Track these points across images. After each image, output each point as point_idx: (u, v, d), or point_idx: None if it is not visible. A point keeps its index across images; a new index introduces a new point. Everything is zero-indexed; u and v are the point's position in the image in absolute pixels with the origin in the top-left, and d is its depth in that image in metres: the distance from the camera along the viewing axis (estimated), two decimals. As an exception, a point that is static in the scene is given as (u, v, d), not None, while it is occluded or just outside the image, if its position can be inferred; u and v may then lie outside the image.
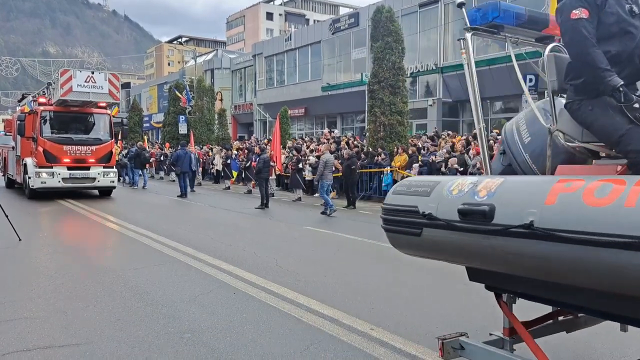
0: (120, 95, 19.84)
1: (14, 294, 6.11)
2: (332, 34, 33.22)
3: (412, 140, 19.05)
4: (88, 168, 16.26)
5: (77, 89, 15.68)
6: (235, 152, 24.47)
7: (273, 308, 5.63)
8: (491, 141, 15.43)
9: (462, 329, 5.04)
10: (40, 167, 15.78)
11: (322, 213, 14.04)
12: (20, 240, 9.23)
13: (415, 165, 16.00)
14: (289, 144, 24.03)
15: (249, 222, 12.79)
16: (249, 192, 20.18)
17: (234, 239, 10.04)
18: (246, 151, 24.04)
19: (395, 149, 17.50)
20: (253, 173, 18.75)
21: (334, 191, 17.70)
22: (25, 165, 16.84)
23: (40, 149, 15.82)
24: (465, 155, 15.03)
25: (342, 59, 32.97)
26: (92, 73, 16.20)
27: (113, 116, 18.14)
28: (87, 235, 10.59)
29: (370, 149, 18.70)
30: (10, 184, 20.52)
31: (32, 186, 16.06)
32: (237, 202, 17.22)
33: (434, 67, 26.20)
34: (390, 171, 16.96)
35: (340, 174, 16.97)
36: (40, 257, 8.21)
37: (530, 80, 16.45)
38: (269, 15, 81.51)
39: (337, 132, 30.27)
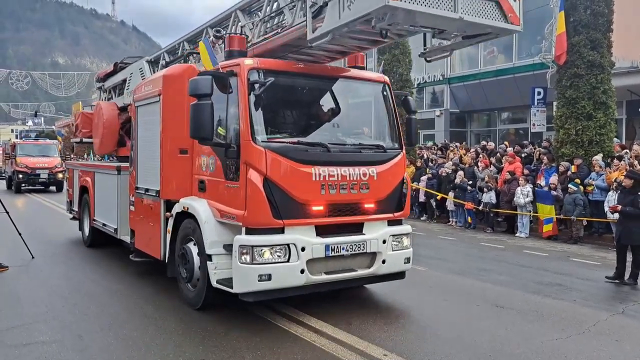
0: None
1: (29, 316, 6.15)
2: (339, 45, 33.35)
3: (419, 152, 19.04)
4: (360, 227, 6.29)
5: None
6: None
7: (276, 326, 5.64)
8: (498, 154, 15.44)
9: (476, 352, 5.04)
10: (252, 233, 5.66)
11: None
12: (33, 258, 9.29)
13: (424, 178, 15.99)
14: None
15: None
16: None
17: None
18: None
19: (404, 161, 17.47)
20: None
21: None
22: (182, 216, 6.59)
23: (256, 178, 5.61)
24: (475, 167, 15.01)
25: (349, 70, 33.07)
26: None
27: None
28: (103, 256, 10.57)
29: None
30: (101, 239, 10.14)
31: (219, 283, 5.88)
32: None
33: (441, 78, 26.23)
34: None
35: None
36: (53, 276, 8.24)
37: (539, 93, 16.47)
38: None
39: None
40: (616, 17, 13.48)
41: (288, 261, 5.63)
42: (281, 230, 5.68)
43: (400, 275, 6.68)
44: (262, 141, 5.67)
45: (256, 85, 5.73)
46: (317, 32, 5.63)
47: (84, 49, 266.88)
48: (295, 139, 5.97)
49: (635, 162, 11.90)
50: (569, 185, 12.03)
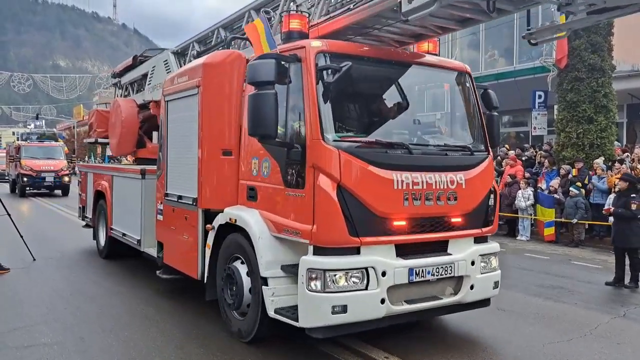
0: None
1: (31, 318, 6.16)
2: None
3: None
4: (444, 245, 5.26)
5: None
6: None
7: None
8: (498, 157, 15.44)
9: (477, 355, 5.02)
10: (322, 253, 4.63)
11: None
12: (34, 260, 9.29)
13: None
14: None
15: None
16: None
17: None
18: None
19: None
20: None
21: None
22: (226, 228, 5.63)
23: (328, 185, 4.60)
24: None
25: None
26: None
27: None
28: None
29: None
30: (120, 251, 9.18)
31: (278, 313, 4.83)
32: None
33: (443, 81, 26.25)
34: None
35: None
36: (54, 278, 8.24)
37: (540, 96, 16.49)
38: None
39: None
40: (617, 20, 13.50)
41: (366, 289, 4.61)
42: (356, 251, 4.67)
43: (485, 302, 5.58)
44: (334, 140, 4.67)
45: (326, 72, 4.76)
46: (417, 1, 4.56)
47: (85, 51, 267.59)
48: (372, 138, 4.99)
49: (638, 166, 11.94)
50: (571, 189, 12.05)
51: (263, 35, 5.40)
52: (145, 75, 9.83)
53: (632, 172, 11.70)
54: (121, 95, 11.26)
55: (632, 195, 8.13)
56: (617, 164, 11.95)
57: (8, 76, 51.04)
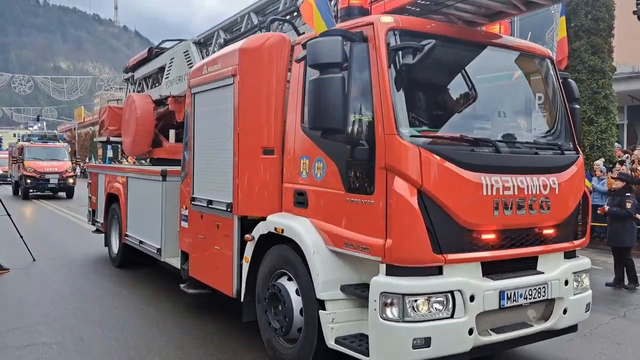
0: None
1: (30, 318, 6.15)
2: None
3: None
4: (533, 262, 4.42)
5: None
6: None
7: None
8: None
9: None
10: (397, 273, 3.78)
11: None
12: (34, 260, 9.30)
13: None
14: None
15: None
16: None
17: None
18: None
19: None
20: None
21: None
22: (268, 239, 4.83)
23: (406, 191, 3.77)
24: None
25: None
26: None
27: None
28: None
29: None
30: (136, 260, 8.50)
31: (340, 344, 4.03)
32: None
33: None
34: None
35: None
36: (54, 279, 8.24)
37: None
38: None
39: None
40: (617, 22, 13.52)
41: (452, 317, 3.78)
42: (438, 270, 3.84)
43: (574, 328, 4.76)
44: (411, 136, 3.83)
45: (399, 54, 3.97)
46: None
47: (86, 53, 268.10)
48: (455, 134, 4.10)
49: (639, 167, 11.95)
50: (571, 190, 12.03)
51: (318, 14, 4.47)
52: (162, 69, 9.02)
53: (632, 173, 11.71)
54: (134, 91, 10.46)
55: (626, 195, 8.22)
56: (617, 165, 11.95)
57: (9, 78, 51.27)
